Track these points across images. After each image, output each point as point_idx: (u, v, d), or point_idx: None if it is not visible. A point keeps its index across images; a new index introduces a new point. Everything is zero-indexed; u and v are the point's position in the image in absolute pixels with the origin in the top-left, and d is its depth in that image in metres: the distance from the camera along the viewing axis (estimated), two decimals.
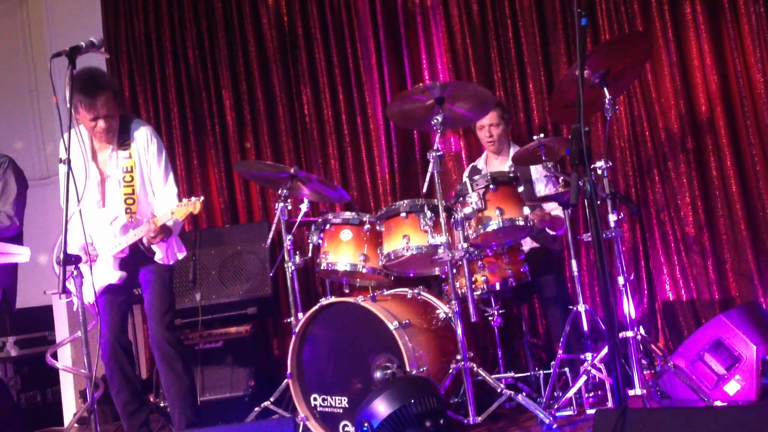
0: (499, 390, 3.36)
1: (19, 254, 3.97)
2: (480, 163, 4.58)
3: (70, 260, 2.84)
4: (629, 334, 3.21)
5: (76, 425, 4.70)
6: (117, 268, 3.58)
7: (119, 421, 4.00)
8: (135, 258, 3.61)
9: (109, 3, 6.02)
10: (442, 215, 3.48)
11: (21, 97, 6.54)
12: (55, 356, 4.84)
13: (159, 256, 3.64)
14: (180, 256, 3.74)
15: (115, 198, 3.62)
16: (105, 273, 3.57)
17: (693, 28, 4.37)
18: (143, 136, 3.64)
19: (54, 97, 2.92)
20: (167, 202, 3.59)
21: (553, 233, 4.15)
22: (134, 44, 5.92)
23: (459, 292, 3.61)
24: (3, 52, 6.56)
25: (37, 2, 6.52)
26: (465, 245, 3.46)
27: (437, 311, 3.76)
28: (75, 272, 2.85)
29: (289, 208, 4.08)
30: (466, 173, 4.62)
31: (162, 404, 4.46)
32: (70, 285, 2.87)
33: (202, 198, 3.41)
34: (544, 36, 4.79)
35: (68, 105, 2.95)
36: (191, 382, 3.69)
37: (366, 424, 2.93)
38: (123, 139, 3.61)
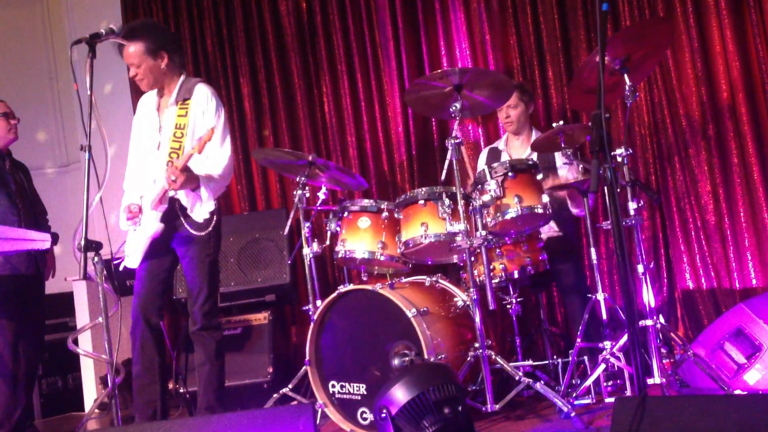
0: (517, 378, 3.35)
1: (39, 241, 4.00)
2: (501, 144, 4.55)
3: (91, 246, 2.85)
4: (648, 322, 3.20)
5: (96, 410, 4.74)
6: (158, 221, 3.51)
7: None
8: (169, 216, 3.54)
9: None
10: (461, 203, 3.47)
11: (41, 84, 6.59)
12: (76, 342, 4.88)
13: (195, 214, 3.56)
14: (207, 207, 3.55)
15: (163, 151, 3.60)
16: (149, 225, 3.52)
17: (715, 13, 4.32)
18: (203, 95, 3.62)
19: (74, 84, 2.93)
20: (218, 164, 3.55)
21: (575, 211, 4.11)
22: None
23: (477, 279, 3.61)
24: (23, 40, 6.60)
25: None
26: (483, 233, 3.45)
27: (455, 299, 3.75)
28: (96, 258, 2.86)
29: (308, 195, 4.08)
30: (484, 154, 4.59)
31: (182, 390, 4.50)
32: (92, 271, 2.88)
33: (211, 126, 3.39)
34: (563, 22, 4.75)
35: (89, 92, 2.96)
36: (219, 368, 3.63)
37: (384, 411, 2.93)
38: (184, 98, 3.62)
